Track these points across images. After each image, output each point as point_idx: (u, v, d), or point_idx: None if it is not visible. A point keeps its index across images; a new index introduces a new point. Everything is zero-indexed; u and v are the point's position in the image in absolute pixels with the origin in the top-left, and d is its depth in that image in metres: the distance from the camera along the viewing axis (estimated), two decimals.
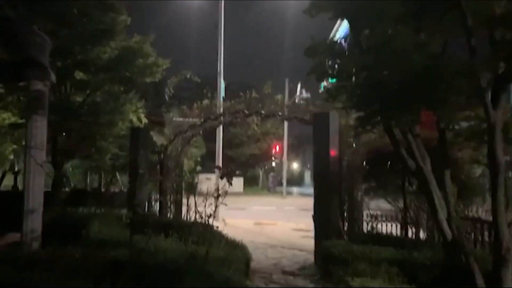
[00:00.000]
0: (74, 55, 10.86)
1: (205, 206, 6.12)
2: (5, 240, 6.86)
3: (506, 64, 3.57)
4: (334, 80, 4.69)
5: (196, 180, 10.55)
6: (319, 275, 6.66)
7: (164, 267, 3.96)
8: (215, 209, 5.00)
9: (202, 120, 10.12)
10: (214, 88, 14.91)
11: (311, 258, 7.96)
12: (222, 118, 10.55)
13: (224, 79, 16.94)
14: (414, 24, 3.90)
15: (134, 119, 12.13)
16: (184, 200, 9.27)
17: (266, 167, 42.63)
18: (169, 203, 10.13)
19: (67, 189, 13.81)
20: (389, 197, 8.01)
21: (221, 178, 4.74)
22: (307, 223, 10.95)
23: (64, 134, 10.88)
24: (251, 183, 40.59)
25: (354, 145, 8.30)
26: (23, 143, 8.88)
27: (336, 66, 4.08)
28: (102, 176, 13.85)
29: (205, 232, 5.88)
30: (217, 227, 6.84)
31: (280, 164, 37.14)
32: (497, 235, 4.01)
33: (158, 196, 10.33)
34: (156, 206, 10.35)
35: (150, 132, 11.06)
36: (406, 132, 4.21)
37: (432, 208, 4.10)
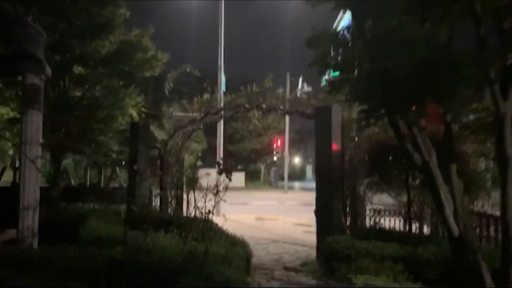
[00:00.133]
0: (72, 49, 10.75)
1: (205, 201, 6.04)
2: (4, 236, 6.77)
3: None
4: (337, 73, 4.56)
5: (197, 175, 10.45)
6: (322, 271, 6.55)
7: (162, 266, 3.85)
8: (215, 205, 4.89)
9: (203, 114, 9.99)
10: (215, 82, 14.76)
11: (313, 253, 7.86)
12: (222, 112, 10.42)
13: (224, 73, 16.80)
14: (420, 13, 3.75)
15: (134, 114, 12.03)
16: (185, 196, 9.18)
17: (267, 162, 42.52)
18: (169, 199, 10.03)
19: (72, 183, 13.75)
20: (392, 192, 7.89)
21: (220, 173, 4.62)
22: (309, 218, 10.85)
23: (63, 129, 10.76)
24: (252, 178, 40.53)
25: (356, 139, 8.16)
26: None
27: (339, 57, 3.93)
28: (102, 171, 13.77)
29: (205, 228, 5.77)
30: (216, 224, 6.73)
31: (281, 159, 37.00)
32: (506, 231, 3.88)
33: (158, 192, 10.23)
34: (157, 202, 10.26)
35: (151, 127, 10.95)
36: (411, 125, 4.07)
37: (438, 203, 3.96)
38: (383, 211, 8.12)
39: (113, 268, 3.74)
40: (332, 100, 7.93)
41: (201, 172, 8.82)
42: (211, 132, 20.02)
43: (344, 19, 13.39)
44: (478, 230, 6.31)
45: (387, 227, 7.76)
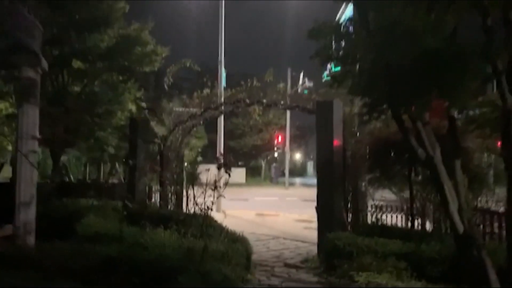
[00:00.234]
0: (71, 43, 10.64)
1: (204, 197, 5.95)
2: (2, 232, 6.70)
3: None
4: (338, 68, 4.45)
5: (197, 171, 10.37)
6: (323, 268, 6.45)
7: (159, 263, 3.76)
8: (214, 201, 4.79)
9: (202, 109, 9.88)
10: (215, 77, 14.64)
11: (314, 249, 7.78)
12: (223, 107, 10.31)
13: (225, 67, 16.67)
14: (425, 4, 3.63)
15: (134, 109, 11.92)
16: (185, 192, 9.10)
17: (268, 158, 42.43)
18: (169, 195, 9.95)
19: (71, 179, 13.66)
20: (394, 188, 7.80)
21: (219, 168, 4.52)
22: (310, 214, 10.77)
23: (62, 124, 10.67)
24: (253, 174, 40.48)
25: (358, 134, 8.05)
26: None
27: (341, 49, 3.83)
28: (102, 167, 13.69)
29: (204, 225, 5.68)
30: (216, 220, 6.64)
31: (282, 155, 36.91)
32: (511, 228, 3.80)
33: (158, 187, 10.15)
34: (157, 198, 10.18)
35: (150, 123, 10.86)
36: (415, 119, 3.97)
37: (443, 199, 3.87)
38: (384, 207, 8.02)
39: (108, 266, 3.66)
40: (333, 95, 7.83)
41: (201, 167, 8.73)
42: (211, 128, 19.94)
43: (347, 11, 13.22)
44: (481, 226, 6.21)
45: (388, 223, 7.65)
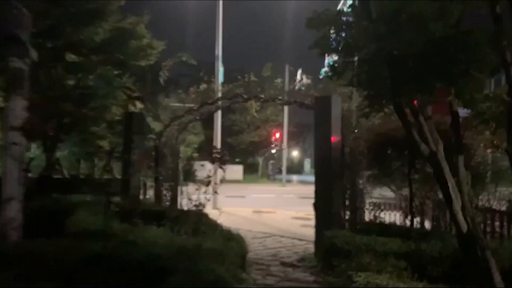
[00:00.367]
0: (65, 36, 10.42)
1: (199, 194, 5.79)
2: None
3: None
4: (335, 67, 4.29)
5: (194, 167, 10.21)
6: (320, 267, 6.31)
7: (148, 262, 3.58)
8: (208, 197, 4.63)
9: (198, 105, 9.71)
10: (212, 72, 14.45)
11: (311, 247, 7.64)
12: (220, 102, 10.15)
13: (222, 63, 16.45)
14: None
15: (129, 104, 11.73)
16: (180, 188, 8.94)
17: (266, 155, 42.27)
18: (164, 191, 9.79)
19: (65, 174, 13.45)
20: (393, 185, 7.64)
21: (212, 163, 4.35)
22: (307, 211, 10.62)
23: (55, 118, 10.47)
24: (250, 171, 40.31)
25: (356, 130, 7.90)
26: None
27: (342, 39, 3.65)
28: (96, 163, 13.49)
29: (198, 222, 5.52)
30: (211, 217, 6.47)
31: (280, 152, 36.75)
32: None
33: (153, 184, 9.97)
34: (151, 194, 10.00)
35: (146, 118, 10.70)
36: (418, 113, 3.81)
37: (447, 198, 3.71)
38: (383, 204, 7.88)
39: (93, 264, 3.48)
40: (332, 91, 7.68)
41: (196, 164, 8.57)
42: (209, 124, 19.75)
43: (348, 3, 13.02)
44: (482, 225, 6.06)
45: (386, 221, 7.50)
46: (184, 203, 6.66)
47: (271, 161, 41.03)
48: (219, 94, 9.94)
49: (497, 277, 3.74)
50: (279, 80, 10.38)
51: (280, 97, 8.91)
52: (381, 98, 3.64)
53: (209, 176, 4.60)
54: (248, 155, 42.41)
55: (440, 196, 6.69)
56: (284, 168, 33.12)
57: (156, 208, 7.16)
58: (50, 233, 4.94)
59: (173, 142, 10.08)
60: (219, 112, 15.44)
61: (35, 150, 14.24)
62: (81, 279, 3.36)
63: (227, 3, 16.83)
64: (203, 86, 9.34)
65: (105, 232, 4.87)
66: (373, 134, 7.34)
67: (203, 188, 5.36)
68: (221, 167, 4.41)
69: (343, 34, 3.62)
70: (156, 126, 10.37)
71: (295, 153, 55.23)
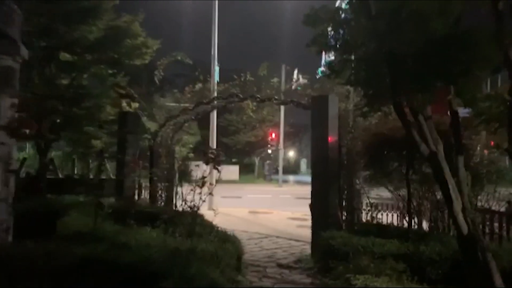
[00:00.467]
0: (58, 35, 10.26)
1: (193, 195, 5.68)
2: None
3: None
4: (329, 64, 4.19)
5: (190, 168, 10.10)
6: (317, 268, 6.23)
7: (141, 267, 3.46)
8: (202, 198, 4.52)
9: (194, 105, 9.59)
10: (207, 71, 14.31)
11: (307, 248, 7.56)
12: (215, 102, 10.03)
13: (218, 63, 16.33)
14: None
15: (123, 104, 11.58)
16: (175, 189, 8.81)
17: (262, 155, 42.15)
18: (159, 192, 9.67)
19: (59, 174, 13.28)
20: (390, 186, 7.56)
21: (207, 163, 4.25)
22: (303, 212, 10.55)
23: (48, 117, 10.32)
24: (247, 171, 40.16)
25: (354, 130, 7.81)
26: None
27: (340, 36, 3.56)
28: (90, 163, 13.35)
29: (193, 223, 5.41)
30: (206, 218, 6.37)
31: (276, 152, 36.63)
32: None
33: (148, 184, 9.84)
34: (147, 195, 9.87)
35: (142, 118, 10.59)
36: (418, 113, 3.72)
37: (447, 198, 3.63)
38: (380, 205, 7.80)
39: (82, 269, 3.36)
40: (329, 90, 7.61)
41: (191, 164, 8.45)
42: (205, 124, 19.63)
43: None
44: (481, 227, 5.99)
45: (383, 222, 7.42)
46: (179, 204, 6.54)
47: (268, 161, 40.90)
48: (215, 94, 9.80)
49: (498, 279, 3.67)
50: (275, 80, 10.28)
51: (276, 97, 8.77)
52: (380, 97, 3.55)
53: (203, 177, 4.49)
54: (245, 155, 42.27)
55: (438, 196, 6.67)
56: (280, 169, 33.01)
57: (151, 209, 7.05)
58: (40, 235, 4.82)
59: (169, 142, 9.97)
60: (215, 112, 15.33)
61: (29, 150, 14.09)
62: (68, 284, 3.23)
63: (223, 2, 16.73)
64: (198, 85, 9.23)
65: (97, 234, 4.75)
66: (370, 134, 7.25)
67: (198, 189, 5.25)
68: (216, 168, 4.30)
69: (341, 32, 3.53)
70: (152, 125, 10.24)
71: (291, 153, 55.15)
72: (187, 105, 9.69)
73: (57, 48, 10.38)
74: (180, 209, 6.71)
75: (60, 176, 12.76)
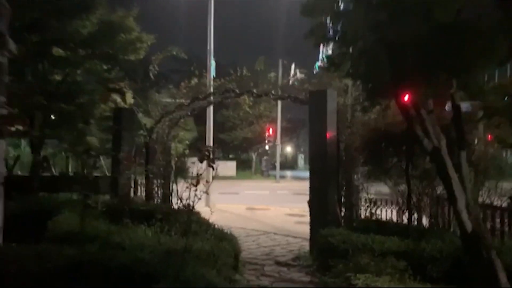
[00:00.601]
0: (51, 29, 10.06)
1: (189, 192, 5.55)
2: None
3: None
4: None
5: (186, 164, 9.95)
6: (316, 266, 6.12)
7: (133, 269, 3.32)
8: (199, 195, 4.39)
9: (189, 100, 9.43)
10: (203, 66, 14.13)
11: (306, 245, 7.46)
12: (212, 97, 9.89)
13: (214, 58, 16.15)
14: None
15: (118, 100, 11.42)
16: (172, 186, 8.68)
17: (259, 151, 42.04)
18: (156, 189, 9.53)
19: (54, 172, 13.09)
20: (389, 181, 7.46)
21: (201, 161, 4.11)
22: (301, 208, 10.45)
23: (41, 114, 10.14)
24: (244, 167, 40.07)
25: (352, 125, 7.69)
26: None
27: (339, 27, 3.42)
28: (85, 160, 13.16)
29: (189, 221, 5.27)
30: (203, 216, 6.24)
31: (273, 148, 36.53)
32: None
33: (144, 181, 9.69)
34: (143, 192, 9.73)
35: (138, 114, 10.42)
36: (420, 107, 3.60)
37: (451, 195, 3.52)
38: (379, 201, 7.70)
39: (73, 272, 3.23)
40: (327, 84, 7.49)
41: (187, 161, 8.30)
42: (201, 120, 19.49)
43: None
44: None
45: (382, 218, 7.33)
46: (176, 201, 6.40)
47: (265, 157, 40.80)
48: (211, 89, 9.65)
49: (503, 278, 3.57)
50: (272, 75, 10.14)
51: (273, 92, 8.63)
52: (381, 91, 3.42)
53: (198, 175, 4.35)
54: (242, 151, 42.19)
55: (439, 192, 6.57)
56: (277, 164, 32.92)
57: (146, 206, 6.91)
58: (30, 236, 4.69)
59: (164, 139, 9.82)
60: (211, 108, 15.18)
61: (24, 148, 13.89)
62: None
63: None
64: (194, 81, 9.09)
65: (89, 234, 4.62)
66: (369, 129, 7.14)
67: (194, 187, 5.11)
68: (210, 166, 4.16)
69: (341, 22, 3.39)
70: (148, 122, 10.09)
71: (289, 149, 55.06)
72: (182, 100, 9.51)
73: (49, 43, 10.18)
74: (176, 206, 6.59)
75: (55, 174, 12.58)
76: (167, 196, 9.11)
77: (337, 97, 7.48)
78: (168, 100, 9.97)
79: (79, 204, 6.33)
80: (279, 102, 28.14)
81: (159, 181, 9.49)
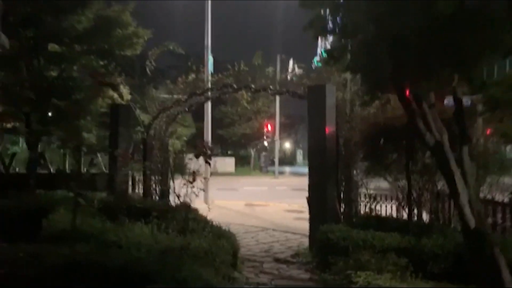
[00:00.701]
0: (46, 24, 9.94)
1: (186, 189, 5.48)
2: None
3: None
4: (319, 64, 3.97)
5: (185, 161, 9.87)
6: (315, 263, 6.05)
7: (129, 269, 3.24)
8: (197, 192, 4.31)
9: (186, 96, 9.32)
10: (201, 62, 14.00)
11: (305, 242, 7.39)
12: (209, 93, 9.77)
13: (212, 54, 16.01)
14: None
15: (115, 96, 11.31)
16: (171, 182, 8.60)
17: (258, 147, 41.97)
18: (153, 185, 9.45)
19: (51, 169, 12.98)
20: (389, 177, 7.38)
21: (197, 157, 4.03)
22: (300, 204, 10.39)
23: (38, 111, 10.03)
24: (242, 163, 40.02)
25: (351, 120, 7.59)
26: None
27: (338, 19, 3.32)
28: (82, 157, 13.08)
29: (187, 218, 5.20)
30: (200, 212, 6.16)
31: (272, 144, 36.44)
32: None
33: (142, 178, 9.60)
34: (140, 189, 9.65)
35: (136, 111, 10.32)
36: (422, 100, 3.51)
37: (453, 190, 3.44)
38: (379, 196, 7.62)
39: (67, 272, 3.15)
40: (325, 80, 7.40)
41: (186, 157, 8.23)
42: (200, 116, 19.39)
43: None
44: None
45: (382, 213, 7.26)
46: (174, 198, 6.33)
47: (263, 153, 40.73)
48: (209, 85, 9.56)
49: (507, 275, 3.49)
50: (270, 70, 10.06)
51: (271, 87, 8.53)
52: (381, 85, 3.33)
53: (193, 172, 4.27)
54: (240, 147, 42.11)
55: (439, 187, 6.50)
56: (276, 160, 32.84)
57: (144, 204, 6.82)
58: (26, 234, 4.61)
59: (162, 135, 9.72)
60: (209, 103, 15.07)
61: (22, 144, 13.77)
62: None
63: None
64: (192, 76, 9.01)
65: (85, 233, 4.53)
66: (368, 124, 7.05)
67: (191, 183, 5.04)
68: (207, 162, 4.08)
69: (340, 14, 3.30)
70: (146, 118, 10.00)
71: (287, 145, 54.97)
72: (180, 96, 9.39)
73: (44, 39, 10.06)
74: (174, 203, 6.51)
75: (52, 171, 12.47)
76: (165, 193, 9.04)
77: (336, 92, 7.39)
78: (166, 96, 9.81)
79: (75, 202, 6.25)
80: (277, 98, 28.03)
81: (156, 177, 9.42)
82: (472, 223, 3.48)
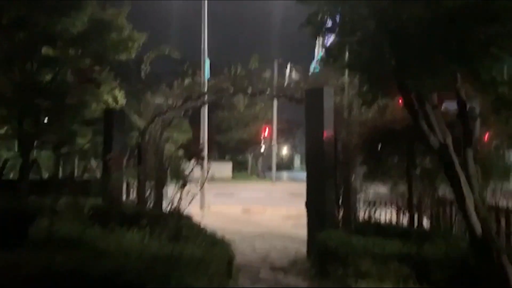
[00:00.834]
0: (39, 27, 9.77)
1: (180, 195, 5.30)
2: None
3: None
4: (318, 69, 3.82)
5: (181, 167, 9.69)
6: (314, 271, 5.86)
7: (114, 279, 3.05)
8: (185, 197, 4.14)
9: (182, 100, 9.16)
10: (197, 66, 13.88)
11: (303, 249, 7.19)
12: (206, 97, 9.62)
13: (208, 57, 15.90)
14: None
15: (110, 100, 11.16)
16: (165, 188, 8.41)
17: (255, 152, 41.84)
18: (148, 191, 9.25)
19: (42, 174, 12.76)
20: (389, 182, 7.22)
21: (189, 159, 3.86)
22: (298, 210, 10.20)
23: (30, 116, 9.85)
24: (240, 169, 39.88)
25: (350, 124, 7.45)
26: None
27: (337, 15, 3.17)
28: (75, 163, 12.89)
29: (181, 225, 5.01)
30: (194, 219, 5.98)
31: (269, 149, 36.31)
32: None
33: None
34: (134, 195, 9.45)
35: (132, 116, 10.18)
36: (425, 101, 3.36)
37: (459, 195, 3.28)
38: (378, 202, 7.46)
39: (50, 282, 2.95)
40: (323, 82, 7.27)
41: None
42: (196, 122, 19.22)
43: None
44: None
45: (381, 219, 7.09)
46: (165, 205, 6.16)
47: (261, 158, 40.59)
48: (205, 89, 9.42)
49: None
50: (267, 74, 10.03)
51: (268, 89, 8.39)
52: (383, 84, 3.18)
53: (185, 176, 4.10)
54: (238, 153, 41.95)
55: (441, 193, 6.34)
56: (273, 166, 32.68)
57: (136, 210, 6.62)
58: (13, 242, 4.41)
59: (157, 140, 9.54)
60: (206, 109, 14.92)
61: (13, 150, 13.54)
62: None
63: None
64: (188, 80, 8.87)
65: (71, 240, 4.33)
66: (367, 128, 6.91)
67: (185, 189, 4.87)
68: (199, 162, 3.91)
69: (340, 10, 3.14)
70: (141, 123, 9.84)
71: (285, 150, 54.86)
72: (176, 100, 9.23)
73: (37, 41, 9.90)
74: (167, 210, 6.32)
75: (45, 176, 12.25)
76: (159, 198, 8.84)
77: (334, 96, 7.25)
78: (161, 100, 9.66)
79: (66, 208, 6.06)
80: (275, 103, 27.92)
81: (151, 183, 9.23)
82: (478, 230, 3.31)
